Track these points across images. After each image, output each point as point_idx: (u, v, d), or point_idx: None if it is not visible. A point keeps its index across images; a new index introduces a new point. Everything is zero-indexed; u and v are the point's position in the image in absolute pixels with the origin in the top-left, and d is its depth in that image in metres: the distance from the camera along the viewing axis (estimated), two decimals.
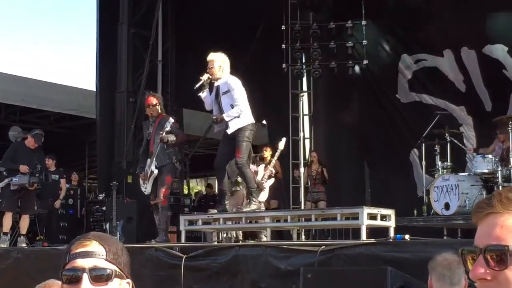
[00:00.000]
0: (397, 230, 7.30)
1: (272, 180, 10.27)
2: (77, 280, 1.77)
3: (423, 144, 10.33)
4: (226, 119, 7.99)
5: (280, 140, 10.30)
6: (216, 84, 8.17)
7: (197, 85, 8.23)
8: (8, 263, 9.01)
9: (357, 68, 12.58)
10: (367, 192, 12.38)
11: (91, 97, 14.16)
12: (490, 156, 9.15)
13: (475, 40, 11.47)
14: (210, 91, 8.26)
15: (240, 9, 13.08)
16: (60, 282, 1.83)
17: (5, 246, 10.02)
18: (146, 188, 8.89)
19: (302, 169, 12.49)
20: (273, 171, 10.23)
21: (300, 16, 13.40)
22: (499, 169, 8.87)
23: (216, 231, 9.10)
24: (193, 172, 19.92)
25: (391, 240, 6.74)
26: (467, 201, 8.84)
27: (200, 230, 10.29)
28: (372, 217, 7.21)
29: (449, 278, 3.27)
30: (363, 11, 12.36)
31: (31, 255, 9.04)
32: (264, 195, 9.72)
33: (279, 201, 12.40)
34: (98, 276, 1.78)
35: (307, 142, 13.58)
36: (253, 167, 10.04)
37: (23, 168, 10.12)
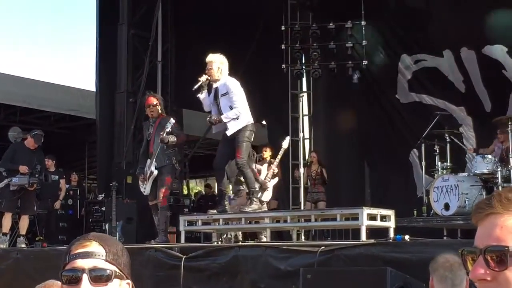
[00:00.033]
0: (397, 230, 7.30)
1: (276, 179, 10.21)
2: (77, 280, 1.77)
3: (423, 145, 10.33)
4: (224, 120, 8.01)
5: (284, 139, 10.31)
6: (214, 85, 8.18)
7: (196, 86, 8.23)
8: (8, 264, 9.00)
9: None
10: (366, 192, 12.37)
11: (91, 98, 14.16)
12: (489, 156, 9.15)
13: (475, 41, 11.48)
14: (209, 92, 8.26)
15: (239, 9, 13.08)
16: (59, 283, 1.83)
17: (5, 246, 10.02)
18: (145, 188, 8.89)
19: (301, 170, 12.48)
20: (276, 170, 10.18)
21: (300, 16, 13.40)
22: (499, 169, 8.87)
23: (216, 231, 9.10)
24: (193, 173, 19.93)
25: (390, 240, 6.74)
26: (466, 201, 8.84)
27: (200, 231, 10.29)
28: (372, 217, 7.21)
29: (451, 280, 3.26)
30: (363, 12, 12.35)
31: (30, 256, 9.04)
32: (267, 195, 9.70)
33: (279, 202, 12.40)
34: (98, 276, 1.78)
35: (307, 142, 13.58)
36: (258, 166, 10.04)
37: (23, 168, 10.11)
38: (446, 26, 11.89)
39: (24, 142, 10.80)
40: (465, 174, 9.60)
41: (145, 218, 10.36)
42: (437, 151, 10.06)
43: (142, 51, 13.08)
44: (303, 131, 13.27)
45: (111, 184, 11.07)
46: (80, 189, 14.59)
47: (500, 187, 8.60)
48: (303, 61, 13.19)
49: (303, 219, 8.37)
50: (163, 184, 8.71)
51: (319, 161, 12.56)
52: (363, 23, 12.36)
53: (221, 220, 8.33)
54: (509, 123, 8.95)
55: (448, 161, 9.88)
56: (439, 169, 9.85)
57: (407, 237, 6.52)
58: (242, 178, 9.21)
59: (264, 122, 12.50)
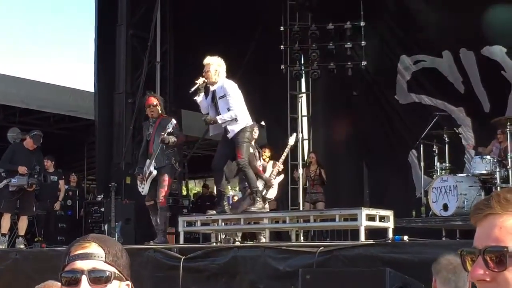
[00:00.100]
0: (396, 231, 7.31)
1: (282, 176, 10.14)
2: (76, 282, 1.77)
3: (422, 145, 10.34)
4: (219, 121, 8.04)
5: (291, 135, 10.32)
6: (212, 88, 8.19)
7: (193, 89, 8.23)
8: (7, 264, 9.00)
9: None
10: (365, 193, 12.37)
11: (90, 98, 14.15)
12: (488, 157, 9.16)
13: (474, 41, 11.48)
14: (206, 95, 8.27)
15: (238, 10, 13.07)
16: (59, 283, 1.83)
17: (4, 247, 10.01)
18: (144, 188, 8.89)
19: (300, 170, 12.48)
20: (282, 167, 10.14)
21: (299, 17, 13.40)
22: (497, 170, 8.88)
23: (215, 232, 9.10)
24: (192, 173, 19.92)
25: (389, 241, 6.75)
26: (465, 202, 8.84)
27: (199, 231, 10.28)
28: (371, 218, 7.22)
29: (454, 282, 3.26)
30: (362, 12, 12.36)
31: (29, 256, 9.04)
32: (273, 192, 9.66)
33: (278, 202, 12.39)
34: (97, 278, 1.78)
35: (306, 143, 13.58)
36: (263, 163, 10.01)
37: (22, 169, 10.11)
38: (445, 27, 11.89)
39: (23, 143, 10.79)
40: (464, 174, 9.60)
41: (143, 219, 10.34)
42: (436, 152, 10.06)
43: (141, 51, 13.07)
44: (302, 132, 13.27)
45: (110, 185, 11.05)
46: (79, 189, 14.59)
47: (498, 188, 8.61)
48: (302, 62, 13.19)
49: (302, 220, 8.37)
50: (163, 184, 8.70)
51: (318, 162, 12.57)
52: (362, 23, 12.36)
53: (220, 221, 8.33)
54: (508, 123, 8.96)
55: (447, 161, 9.88)
56: (438, 169, 9.85)
57: (406, 237, 6.52)
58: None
59: (263, 123, 12.49)
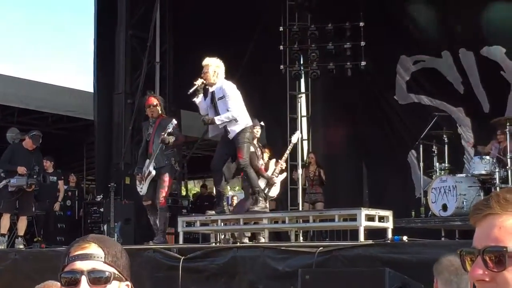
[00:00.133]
0: (395, 231, 7.31)
1: (284, 174, 10.12)
2: (76, 282, 1.77)
3: (421, 146, 10.34)
4: (217, 122, 8.05)
5: (294, 133, 10.31)
6: (211, 89, 8.19)
7: (191, 90, 8.24)
8: (6, 265, 9.00)
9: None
10: (365, 193, 12.38)
11: (89, 99, 14.14)
12: (487, 157, 9.17)
13: (473, 42, 11.50)
14: (205, 96, 8.27)
15: (238, 10, 13.07)
16: (59, 284, 1.84)
17: (3, 247, 10.01)
18: (142, 188, 8.88)
19: (300, 171, 12.48)
20: (284, 166, 10.12)
21: (298, 17, 13.40)
22: (497, 170, 8.89)
23: (214, 232, 9.10)
24: (191, 174, 19.91)
25: (389, 241, 6.75)
26: (464, 202, 8.85)
27: (198, 232, 10.28)
28: (370, 218, 7.21)
29: (457, 284, 3.25)
30: (361, 12, 12.36)
31: (29, 257, 9.03)
32: (275, 190, 9.65)
33: (277, 202, 12.39)
34: (97, 278, 1.78)
35: (305, 143, 13.58)
36: (266, 161, 10.00)
37: (21, 169, 10.10)
38: (445, 27, 11.90)
39: (22, 143, 10.78)
40: (463, 175, 9.61)
41: (142, 219, 10.35)
42: (435, 152, 10.07)
43: (140, 52, 13.07)
44: (301, 132, 13.26)
45: (109, 185, 11.06)
46: (79, 190, 14.59)
47: (498, 188, 8.62)
48: (302, 62, 13.19)
49: (301, 220, 8.37)
50: (163, 185, 8.69)
51: (317, 162, 12.57)
52: (361, 24, 12.36)
53: (219, 221, 8.33)
54: (508, 124, 8.96)
55: (446, 162, 9.88)
56: (437, 170, 9.86)
57: (405, 238, 6.52)
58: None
59: (262, 123, 12.48)
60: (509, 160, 8.84)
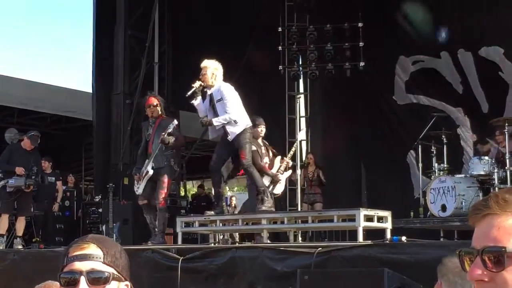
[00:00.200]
0: (394, 231, 7.31)
1: (289, 172, 10.06)
2: (75, 282, 1.77)
3: (420, 146, 10.34)
4: (215, 123, 8.07)
5: (300, 130, 10.28)
6: (209, 92, 8.20)
7: (189, 93, 8.24)
8: (5, 265, 8.99)
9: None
10: (363, 193, 12.38)
11: (88, 99, 14.14)
12: (486, 158, 9.17)
13: (472, 42, 11.50)
14: (203, 98, 8.27)
15: (236, 11, 13.07)
16: (59, 284, 1.84)
17: (1, 248, 10.00)
18: (138, 188, 8.87)
19: (298, 171, 12.48)
20: (290, 163, 10.10)
21: (297, 18, 13.38)
22: (496, 170, 8.88)
23: (213, 233, 9.10)
24: (190, 174, 19.90)
25: (387, 241, 6.75)
26: (463, 202, 8.85)
27: (197, 232, 10.28)
28: (369, 218, 7.22)
29: (461, 286, 3.24)
30: (360, 13, 12.36)
31: (27, 257, 9.02)
32: (280, 188, 9.65)
33: (276, 203, 12.38)
34: (96, 278, 1.78)
35: (304, 144, 13.57)
36: (271, 159, 9.98)
37: (19, 170, 10.10)
38: (443, 27, 11.90)
39: (20, 144, 10.78)
40: (462, 175, 9.61)
41: (141, 219, 10.34)
42: (434, 153, 10.07)
43: (139, 52, 13.06)
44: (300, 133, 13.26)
45: (108, 186, 11.05)
46: (77, 190, 14.59)
47: (496, 188, 8.61)
48: (300, 63, 13.20)
49: (300, 221, 8.37)
50: (162, 186, 8.67)
51: (316, 163, 12.57)
52: (360, 24, 12.36)
53: (218, 222, 8.33)
54: (506, 124, 8.97)
55: (445, 162, 9.88)
56: (436, 170, 9.86)
57: (404, 238, 6.52)
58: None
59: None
60: (507, 161, 8.85)
